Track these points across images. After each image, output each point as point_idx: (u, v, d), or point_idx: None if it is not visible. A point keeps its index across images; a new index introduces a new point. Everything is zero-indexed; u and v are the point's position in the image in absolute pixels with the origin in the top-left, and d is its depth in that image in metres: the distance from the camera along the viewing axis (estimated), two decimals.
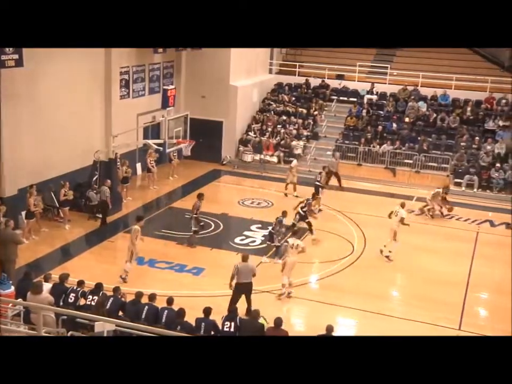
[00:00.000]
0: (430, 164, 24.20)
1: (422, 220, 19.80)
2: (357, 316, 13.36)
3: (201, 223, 16.89)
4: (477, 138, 24.53)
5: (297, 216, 17.19)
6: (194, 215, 16.49)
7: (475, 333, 12.61)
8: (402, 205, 16.70)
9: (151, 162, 21.60)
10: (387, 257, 16.20)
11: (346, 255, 16.50)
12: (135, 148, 22.40)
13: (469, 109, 25.75)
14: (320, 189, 20.26)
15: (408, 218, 16.64)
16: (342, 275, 15.30)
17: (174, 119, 19.60)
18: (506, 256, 16.66)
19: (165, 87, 21.62)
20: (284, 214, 16.31)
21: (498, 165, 23.14)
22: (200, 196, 16.90)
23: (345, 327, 13.05)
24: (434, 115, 25.92)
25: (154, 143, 19.53)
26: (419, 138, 24.93)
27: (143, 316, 10.51)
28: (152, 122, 22.96)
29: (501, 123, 24.81)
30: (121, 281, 13.66)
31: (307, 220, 17.11)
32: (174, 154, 22.56)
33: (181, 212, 19.01)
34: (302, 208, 17.24)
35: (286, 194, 21.58)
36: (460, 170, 23.55)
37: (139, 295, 11.15)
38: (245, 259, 12.59)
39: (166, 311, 10.62)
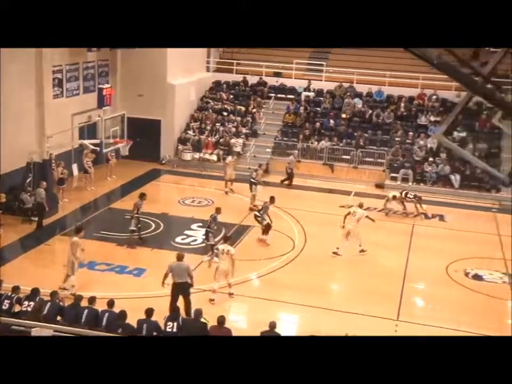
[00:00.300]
0: (367, 159, 24.74)
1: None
2: (299, 311, 13.51)
3: (139, 224, 16.61)
4: (410, 133, 25.28)
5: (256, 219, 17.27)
6: (136, 215, 16.27)
7: (412, 322, 13.00)
8: (360, 205, 16.99)
9: (88, 162, 21.12)
10: (335, 253, 16.33)
11: (288, 251, 16.66)
12: (71, 148, 21.84)
13: (402, 105, 26.50)
14: (254, 186, 20.30)
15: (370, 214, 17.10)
16: (284, 271, 15.43)
17: (110, 118, 19.23)
18: (441, 248, 17.29)
19: (100, 86, 21.17)
20: (218, 211, 16.28)
21: (431, 159, 23.92)
22: (142, 196, 16.70)
23: (288, 323, 13.18)
24: (370, 111, 26.51)
25: (91, 143, 19.11)
26: (356, 134, 25.46)
27: (83, 320, 10.28)
28: (88, 122, 22.44)
29: (432, 118, 25.65)
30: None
31: (266, 223, 17.04)
32: (112, 154, 22.14)
33: (121, 212, 18.69)
34: (259, 210, 17.27)
35: (226, 192, 21.62)
36: (395, 165, 24.20)
37: (78, 298, 10.91)
38: (179, 258, 12.45)
39: (107, 313, 10.42)
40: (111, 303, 10.70)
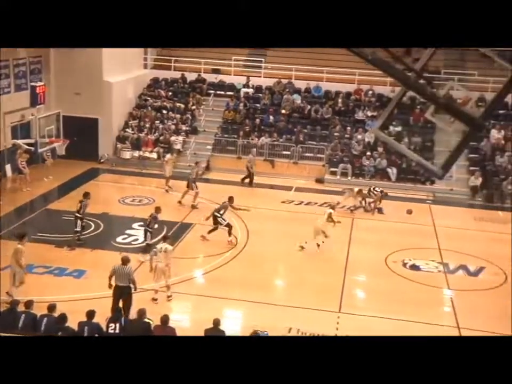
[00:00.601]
0: (307, 154, 25.04)
1: (298, 209, 20.48)
2: (243, 307, 13.55)
3: (83, 224, 16.28)
4: (348, 128, 25.75)
5: (212, 219, 16.97)
6: (80, 215, 15.95)
7: (352, 314, 13.26)
8: (333, 207, 17.39)
9: (22, 163, 20.45)
10: (318, 245, 16.58)
11: (230, 248, 16.66)
12: (3, 148, 21.08)
13: (340, 100, 26.95)
14: (193, 183, 20.18)
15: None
16: (227, 268, 15.43)
17: (45, 117, 18.71)
18: (380, 240, 17.70)
19: (32, 83, 20.54)
20: (158, 210, 16.13)
21: (368, 153, 24.45)
22: (86, 195, 16.38)
23: (232, 319, 13.19)
24: (309, 107, 26.83)
25: (25, 143, 18.54)
26: (295, 129, 25.71)
27: (20, 325, 9.95)
28: (21, 121, 21.70)
29: (369, 113, 26.21)
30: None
31: (226, 223, 16.85)
32: (48, 154, 21.54)
33: (58, 213, 18.21)
34: (218, 211, 16.97)
35: (167, 190, 21.42)
36: (335, 160, 24.60)
37: (15, 303, 10.54)
38: (123, 261, 12.21)
39: (46, 318, 10.12)
40: (51, 308, 10.39)
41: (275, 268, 16.17)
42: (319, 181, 24.00)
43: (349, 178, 23.92)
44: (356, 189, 20.55)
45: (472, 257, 16.65)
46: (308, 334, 12.02)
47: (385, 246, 17.02)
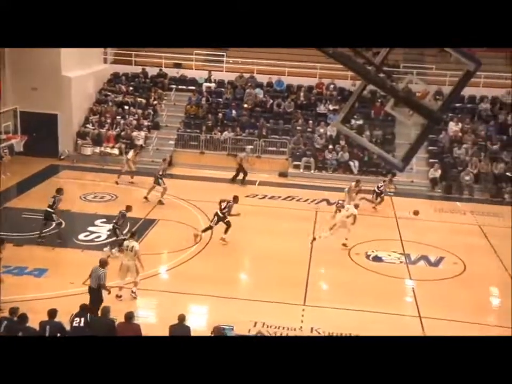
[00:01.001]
0: (270, 148, 25.09)
1: (262, 203, 20.54)
2: (208, 302, 13.53)
3: (59, 221, 16.10)
4: (310, 122, 25.91)
5: (216, 218, 16.68)
6: (51, 210, 15.79)
7: (317, 306, 13.38)
8: (356, 206, 17.56)
9: None
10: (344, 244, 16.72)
11: (194, 243, 16.59)
12: None
13: (302, 94, 27.07)
14: (160, 179, 20.00)
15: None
16: (191, 263, 15.38)
17: (1, 113, 18.24)
18: (343, 232, 17.84)
19: None
20: (128, 208, 16.01)
21: (331, 146, 24.66)
22: (59, 191, 16.29)
23: (197, 315, 13.16)
24: (271, 101, 26.88)
25: None
26: (258, 124, 25.73)
27: None
28: None
29: (331, 107, 26.41)
30: None
31: (226, 220, 16.64)
32: (5, 150, 21.04)
33: (18, 211, 17.82)
34: (221, 209, 16.67)
35: (117, 182, 21.36)
36: (298, 153, 24.72)
37: None
38: (100, 264, 11.96)
39: (5, 321, 9.89)
40: (13, 311, 10.14)
41: (240, 262, 16.19)
42: (283, 174, 24.09)
43: (312, 171, 24.08)
44: (353, 184, 20.37)
45: (432, 248, 16.98)
46: (273, 328, 12.09)
47: (349, 239, 17.19)
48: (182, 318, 10.15)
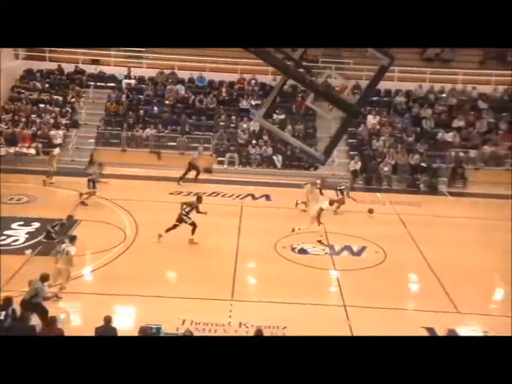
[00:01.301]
0: (193, 144, 24.96)
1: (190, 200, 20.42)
2: (135, 302, 13.30)
3: None
4: (233, 117, 25.97)
5: (180, 220, 16.35)
6: None
7: (245, 301, 13.45)
8: (331, 203, 17.66)
9: None
10: (319, 241, 16.84)
11: (119, 243, 16.28)
12: None
13: (224, 90, 27.08)
14: (92, 183, 19.44)
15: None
16: (117, 263, 15.06)
17: None
18: (269, 226, 18.05)
19: None
20: (69, 218, 15.77)
21: (254, 141, 24.83)
22: None
23: (124, 315, 12.91)
24: (193, 97, 26.73)
25: None
26: (180, 120, 25.53)
27: None
28: None
29: (253, 102, 26.59)
30: None
31: (190, 222, 16.26)
32: None
33: None
34: (184, 209, 16.30)
35: (44, 183, 20.59)
36: (221, 149, 24.74)
37: None
38: (40, 278, 11.29)
39: None
40: None
41: (166, 261, 15.99)
42: (207, 170, 24.04)
43: (236, 167, 24.18)
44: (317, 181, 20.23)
45: (355, 238, 17.45)
46: (201, 325, 12.05)
47: (274, 232, 17.39)
48: (108, 320, 9.93)
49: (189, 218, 16.25)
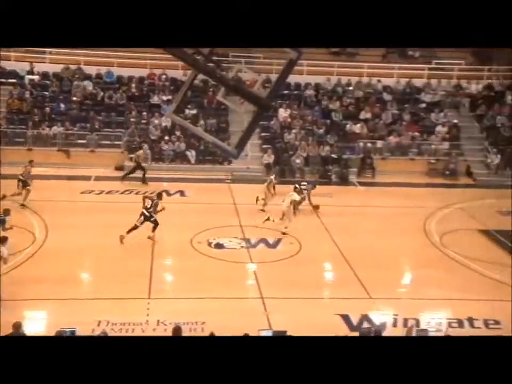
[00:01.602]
0: (104, 142, 24.37)
1: (99, 199, 19.94)
2: (47, 306, 12.84)
3: None
4: (144, 113, 25.56)
5: (142, 217, 15.91)
6: None
7: (162, 298, 13.32)
8: (298, 192, 18.14)
9: None
10: (284, 233, 17.20)
11: (28, 245, 15.63)
12: None
13: (133, 85, 26.59)
14: (21, 182, 18.53)
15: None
16: (26, 267, 14.45)
17: None
18: (184, 222, 17.93)
19: None
20: (6, 212, 15.09)
21: (167, 137, 24.57)
22: None
23: (36, 320, 12.43)
24: (102, 93, 26.05)
25: None
26: (89, 117, 24.83)
27: None
28: None
29: (164, 97, 26.27)
30: None
31: (153, 219, 15.94)
32: None
33: None
34: (147, 208, 15.90)
35: None
36: (133, 146, 24.29)
37: None
38: None
39: None
40: None
41: (79, 261, 15.52)
42: (119, 168, 23.53)
43: (149, 163, 23.81)
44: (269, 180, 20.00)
45: (270, 230, 17.68)
46: (118, 325, 11.81)
47: (190, 228, 17.31)
48: (17, 326, 9.50)
49: (152, 215, 16.11)
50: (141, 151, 22.91)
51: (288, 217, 17.53)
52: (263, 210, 18.94)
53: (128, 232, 15.87)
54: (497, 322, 12.47)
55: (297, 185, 19.02)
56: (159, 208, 16.20)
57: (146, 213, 16.10)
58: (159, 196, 16.64)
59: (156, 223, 16.14)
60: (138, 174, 22.21)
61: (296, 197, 17.91)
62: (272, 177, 20.14)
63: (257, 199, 19.46)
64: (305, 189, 19.80)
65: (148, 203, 16.20)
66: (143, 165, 22.38)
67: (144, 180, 21.98)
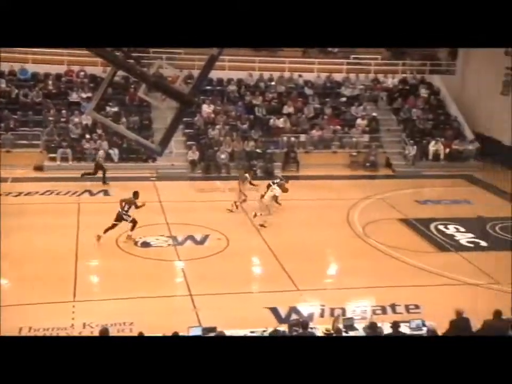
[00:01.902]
0: (21, 141, 23.46)
1: (17, 201, 19.23)
2: None
3: None
4: (63, 111, 24.79)
5: (119, 218, 15.80)
6: None
7: (88, 300, 13.01)
8: (280, 186, 18.62)
9: None
10: (261, 225, 17.68)
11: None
12: None
13: (50, 82, 25.72)
14: None
15: None
16: None
17: None
18: (109, 222, 17.54)
19: None
20: None
21: (88, 135, 23.94)
22: None
23: None
24: (16, 91, 25.06)
25: None
26: (3, 116, 23.83)
27: None
28: None
29: (83, 95, 25.56)
30: None
31: (131, 219, 15.91)
32: None
33: None
34: (123, 209, 15.74)
35: None
36: (53, 145, 23.54)
37: None
38: None
39: None
40: None
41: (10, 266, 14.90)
42: (39, 168, 22.76)
43: (70, 163, 23.18)
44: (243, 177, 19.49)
45: (197, 227, 17.62)
46: (41, 330, 11.44)
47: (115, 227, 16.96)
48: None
49: (129, 216, 16.03)
50: (101, 151, 22.56)
51: (269, 210, 18.00)
52: (237, 207, 19.02)
53: (106, 231, 15.84)
54: (417, 307, 13.00)
55: (271, 183, 19.07)
56: (139, 204, 16.20)
57: (123, 215, 16.06)
58: (135, 194, 16.52)
59: (134, 223, 16.15)
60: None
61: (278, 192, 18.32)
62: (247, 174, 19.82)
63: (236, 206, 19.06)
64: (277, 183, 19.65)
65: (126, 206, 16.14)
66: (104, 166, 22.00)
67: (104, 180, 21.60)
